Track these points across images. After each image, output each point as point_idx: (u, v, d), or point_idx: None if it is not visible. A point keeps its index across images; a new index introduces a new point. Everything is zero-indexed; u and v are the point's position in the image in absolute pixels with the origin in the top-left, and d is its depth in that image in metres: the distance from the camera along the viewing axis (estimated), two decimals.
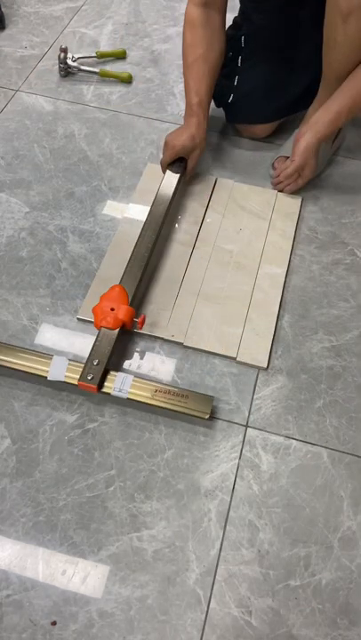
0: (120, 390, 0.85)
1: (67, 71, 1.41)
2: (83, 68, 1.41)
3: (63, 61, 1.39)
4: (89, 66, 1.42)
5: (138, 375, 0.89)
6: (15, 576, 0.74)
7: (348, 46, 0.98)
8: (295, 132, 1.17)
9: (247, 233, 1.11)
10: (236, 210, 1.15)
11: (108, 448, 0.85)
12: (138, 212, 1.13)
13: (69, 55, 1.40)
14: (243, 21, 1.19)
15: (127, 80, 1.41)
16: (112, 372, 0.87)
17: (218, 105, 1.28)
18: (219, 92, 1.22)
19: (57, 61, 1.41)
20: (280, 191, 1.18)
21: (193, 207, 1.16)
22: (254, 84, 1.19)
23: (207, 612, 0.73)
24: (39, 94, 1.38)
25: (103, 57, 1.46)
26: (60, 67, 1.40)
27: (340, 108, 1.02)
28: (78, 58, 1.42)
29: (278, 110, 1.25)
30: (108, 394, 0.85)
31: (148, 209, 1.12)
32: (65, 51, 1.38)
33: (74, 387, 0.87)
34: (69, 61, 1.40)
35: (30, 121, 1.32)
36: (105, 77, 1.41)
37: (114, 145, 1.28)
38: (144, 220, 1.10)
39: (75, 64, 1.41)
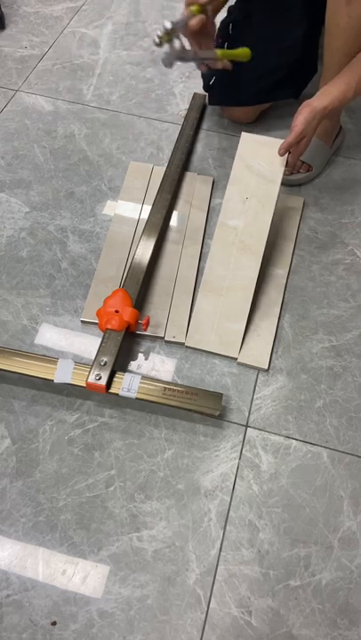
0: (128, 390, 0.85)
1: (179, 57, 1.04)
2: (199, 54, 1.07)
3: (180, 48, 1.03)
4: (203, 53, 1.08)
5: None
6: (15, 576, 0.74)
7: (351, 31, 0.97)
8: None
9: (254, 202, 1.03)
10: (242, 171, 1.05)
11: (108, 448, 0.85)
12: (127, 210, 1.14)
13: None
14: (234, 9, 1.21)
15: (248, 57, 1.14)
16: (119, 373, 0.87)
17: (204, 88, 1.32)
18: (205, 77, 1.27)
19: (152, 45, 1.15)
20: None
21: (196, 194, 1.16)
22: (235, 67, 1.19)
23: (207, 611, 0.73)
24: (39, 94, 1.38)
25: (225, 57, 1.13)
26: (171, 52, 1.01)
27: (349, 81, 0.97)
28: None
29: (258, 94, 1.25)
30: (116, 394, 0.85)
31: (135, 206, 1.14)
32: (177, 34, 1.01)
33: (75, 387, 0.86)
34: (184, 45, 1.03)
35: (30, 121, 1.32)
36: (224, 58, 1.11)
37: (114, 145, 1.28)
38: (135, 217, 1.12)
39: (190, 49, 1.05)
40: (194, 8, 0.99)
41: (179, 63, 1.04)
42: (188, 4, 1.00)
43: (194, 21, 0.99)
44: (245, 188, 1.04)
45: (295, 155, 1.04)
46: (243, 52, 1.11)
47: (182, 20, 0.99)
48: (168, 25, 0.96)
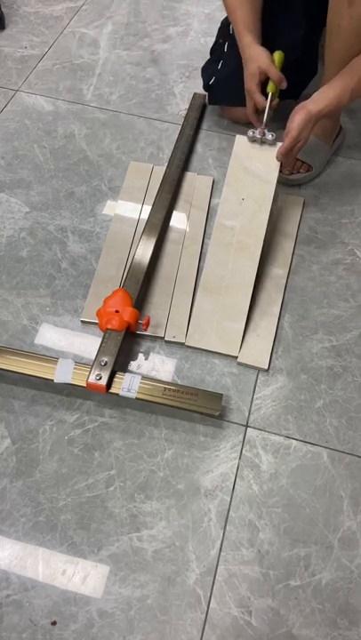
0: (128, 390, 0.85)
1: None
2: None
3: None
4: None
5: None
6: (15, 576, 0.74)
7: (353, 31, 0.97)
8: None
9: (250, 203, 1.04)
10: (238, 172, 1.06)
11: (108, 448, 0.85)
12: (127, 210, 1.14)
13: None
14: None
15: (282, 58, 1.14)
16: (119, 373, 0.87)
17: (204, 88, 1.32)
18: (205, 77, 1.28)
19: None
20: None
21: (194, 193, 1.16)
22: (235, 67, 1.18)
23: (207, 611, 0.73)
24: (39, 94, 1.38)
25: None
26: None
27: (346, 83, 0.97)
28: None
29: None
30: (117, 394, 0.85)
31: (135, 206, 1.14)
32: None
33: (75, 387, 0.86)
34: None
35: (30, 121, 1.32)
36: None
37: (114, 145, 1.28)
38: (135, 217, 1.12)
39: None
40: (273, 88, 1.08)
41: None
42: (260, 84, 1.08)
43: (275, 102, 1.10)
44: (242, 188, 1.06)
45: (290, 157, 1.06)
46: (279, 58, 1.12)
47: (270, 109, 1.08)
48: (270, 137, 1.07)
